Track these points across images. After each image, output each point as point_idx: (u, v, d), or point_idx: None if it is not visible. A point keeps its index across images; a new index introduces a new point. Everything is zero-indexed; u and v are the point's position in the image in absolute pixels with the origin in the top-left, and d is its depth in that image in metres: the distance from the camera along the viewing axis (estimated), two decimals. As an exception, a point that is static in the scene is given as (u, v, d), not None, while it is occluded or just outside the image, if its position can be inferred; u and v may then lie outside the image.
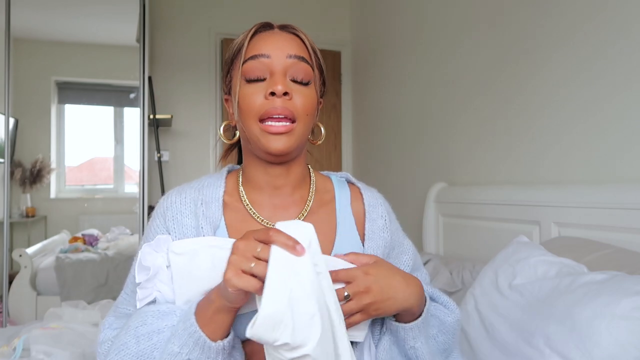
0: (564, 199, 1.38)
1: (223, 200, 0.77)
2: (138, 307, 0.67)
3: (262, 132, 0.69)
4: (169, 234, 0.72)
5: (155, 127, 2.97)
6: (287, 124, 0.69)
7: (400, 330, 0.70)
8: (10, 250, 2.73)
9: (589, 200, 1.30)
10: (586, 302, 0.84)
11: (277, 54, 0.71)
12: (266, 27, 0.76)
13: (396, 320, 0.71)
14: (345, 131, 3.42)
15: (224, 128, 0.80)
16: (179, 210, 0.74)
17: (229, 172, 0.83)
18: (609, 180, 1.32)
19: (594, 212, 1.27)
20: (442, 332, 0.76)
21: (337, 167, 3.37)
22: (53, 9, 2.94)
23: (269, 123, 0.69)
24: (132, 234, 3.16)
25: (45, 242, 2.98)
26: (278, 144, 0.69)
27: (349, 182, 0.86)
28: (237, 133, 0.79)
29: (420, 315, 0.71)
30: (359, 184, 0.85)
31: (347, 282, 0.65)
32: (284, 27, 0.76)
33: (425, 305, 0.72)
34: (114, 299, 0.83)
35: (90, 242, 3.06)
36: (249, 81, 0.71)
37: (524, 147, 1.67)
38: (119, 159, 3.33)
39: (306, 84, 0.73)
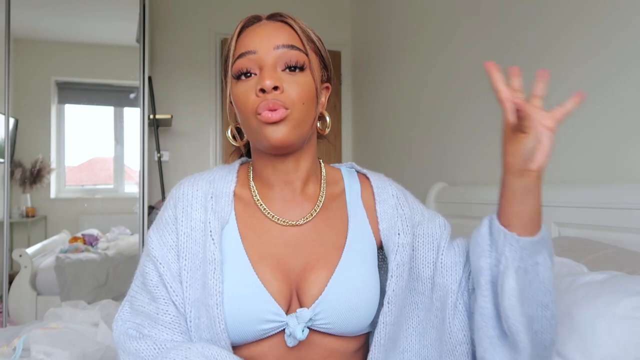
0: (564, 199, 1.38)
1: (234, 193, 0.76)
2: None
3: (259, 124, 0.67)
4: (178, 224, 0.72)
5: (155, 127, 2.97)
6: (282, 109, 0.66)
7: (522, 243, 0.68)
8: (10, 250, 2.73)
9: (589, 200, 1.29)
10: (586, 302, 0.84)
11: (264, 47, 0.68)
12: (254, 20, 0.73)
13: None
14: (345, 131, 3.42)
15: (231, 132, 0.79)
16: (190, 203, 0.73)
17: (241, 164, 0.82)
18: (609, 180, 1.32)
19: (594, 212, 1.27)
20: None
21: (337, 167, 3.37)
22: (53, 9, 2.94)
23: (264, 113, 0.66)
24: (132, 234, 3.16)
25: (45, 242, 2.98)
26: (277, 134, 0.66)
27: (357, 172, 0.85)
28: (245, 136, 0.78)
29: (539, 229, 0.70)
30: (364, 171, 0.84)
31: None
32: (272, 17, 0.73)
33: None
34: (114, 299, 0.83)
35: (90, 242, 3.06)
36: (240, 80, 0.70)
37: (524, 147, 1.67)
38: (119, 159, 3.33)
39: (300, 71, 0.69)
